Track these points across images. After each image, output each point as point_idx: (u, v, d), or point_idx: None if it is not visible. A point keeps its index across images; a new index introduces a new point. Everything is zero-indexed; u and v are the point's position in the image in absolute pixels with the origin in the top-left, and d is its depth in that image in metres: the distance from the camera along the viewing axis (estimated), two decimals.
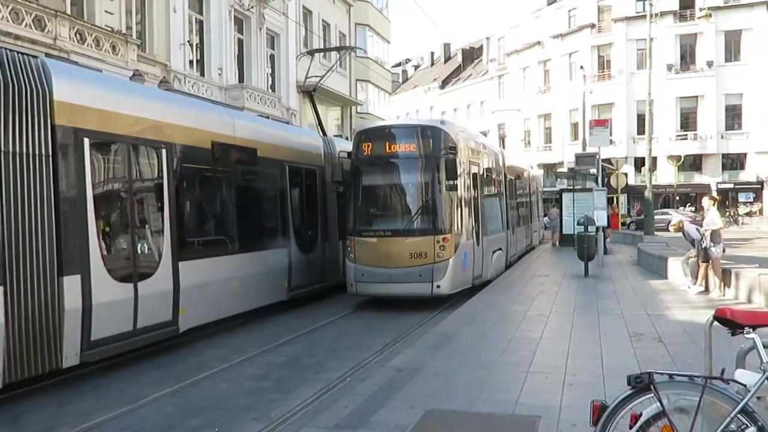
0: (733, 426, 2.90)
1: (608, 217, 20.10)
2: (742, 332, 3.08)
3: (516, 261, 17.94)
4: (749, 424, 2.88)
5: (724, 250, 11.40)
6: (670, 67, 44.34)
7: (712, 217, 10.92)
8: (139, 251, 7.50)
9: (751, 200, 43.93)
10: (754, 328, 3.07)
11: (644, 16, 27.39)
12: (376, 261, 10.89)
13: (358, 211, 11.60)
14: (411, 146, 11.46)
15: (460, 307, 10.37)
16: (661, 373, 3.04)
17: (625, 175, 34.50)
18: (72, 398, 6.21)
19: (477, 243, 12.60)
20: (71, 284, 6.41)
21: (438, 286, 10.81)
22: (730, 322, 3.13)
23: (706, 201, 11.52)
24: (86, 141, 6.72)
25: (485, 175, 14.17)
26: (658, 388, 2.97)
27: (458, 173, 11.49)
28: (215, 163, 9.22)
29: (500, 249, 15.22)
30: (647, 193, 23.83)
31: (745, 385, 2.98)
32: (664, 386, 3.00)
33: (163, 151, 7.97)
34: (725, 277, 10.74)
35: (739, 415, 2.89)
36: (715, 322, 3.32)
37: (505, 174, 17.06)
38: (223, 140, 9.38)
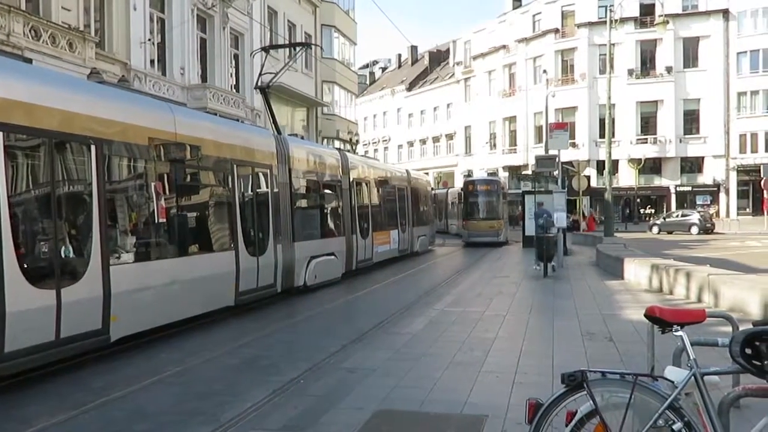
0: (660, 422, 2.96)
1: (585, 218, 36.76)
2: (671, 330, 3.16)
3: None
4: (676, 420, 2.95)
5: None
6: (631, 72, 45.38)
7: None
8: (63, 255, 6.94)
9: (708, 203, 45.20)
10: (681, 325, 3.14)
11: (606, 22, 27.90)
12: (475, 229, 28.26)
13: (468, 211, 29.17)
14: (489, 187, 29.60)
15: (416, 308, 10.45)
16: (594, 371, 3.09)
17: (588, 177, 35.13)
18: (15, 403, 6.00)
19: (509, 225, 31.95)
20: None
21: (498, 238, 27.85)
22: (659, 320, 3.20)
23: None
24: None
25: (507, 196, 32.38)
26: (590, 386, 3.02)
27: (505, 197, 30.00)
28: (153, 161, 8.78)
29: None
30: (607, 195, 24.28)
31: (673, 382, 3.05)
32: (597, 384, 3.04)
33: (92, 147, 7.43)
34: (677, 276, 11.03)
35: (667, 411, 2.94)
36: None
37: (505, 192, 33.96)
38: (162, 136, 8.92)
